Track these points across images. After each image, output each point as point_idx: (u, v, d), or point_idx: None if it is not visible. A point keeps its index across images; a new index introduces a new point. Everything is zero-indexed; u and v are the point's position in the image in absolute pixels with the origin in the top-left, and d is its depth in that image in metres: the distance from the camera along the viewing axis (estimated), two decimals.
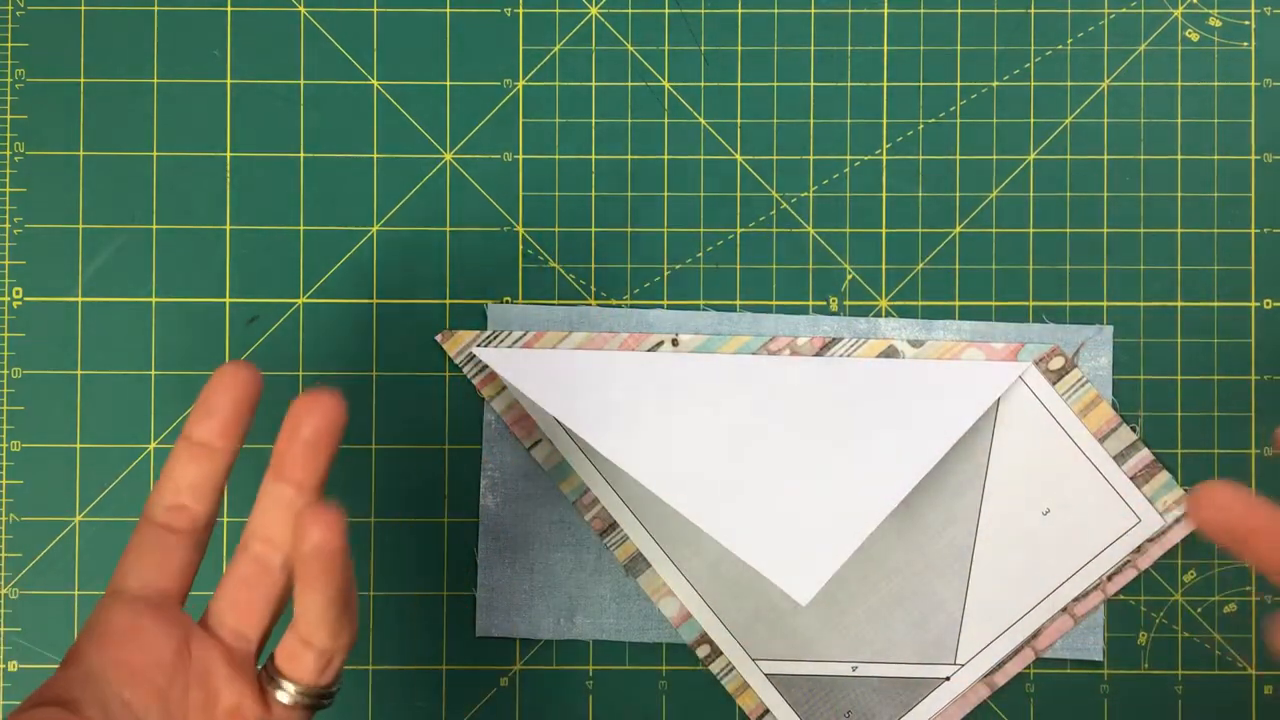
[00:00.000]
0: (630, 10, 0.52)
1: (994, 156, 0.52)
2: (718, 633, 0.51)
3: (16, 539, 0.51)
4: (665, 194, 0.52)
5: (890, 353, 0.51)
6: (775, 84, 0.52)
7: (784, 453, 0.49)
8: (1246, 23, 0.52)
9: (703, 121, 0.52)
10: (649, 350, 0.51)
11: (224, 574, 0.39)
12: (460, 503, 0.51)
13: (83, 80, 0.52)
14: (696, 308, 0.52)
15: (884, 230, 0.52)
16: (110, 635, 0.37)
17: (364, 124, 0.52)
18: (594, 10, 0.52)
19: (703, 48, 0.52)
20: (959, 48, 0.52)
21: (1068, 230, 0.52)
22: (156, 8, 0.52)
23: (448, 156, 0.52)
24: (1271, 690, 0.51)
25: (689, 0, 0.52)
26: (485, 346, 0.51)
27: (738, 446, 0.49)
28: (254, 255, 0.52)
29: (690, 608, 0.51)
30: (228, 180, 0.52)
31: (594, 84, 0.52)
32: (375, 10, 0.52)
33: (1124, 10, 0.52)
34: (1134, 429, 0.51)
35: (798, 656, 0.51)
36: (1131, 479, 0.51)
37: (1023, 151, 0.52)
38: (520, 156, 0.52)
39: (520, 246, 0.52)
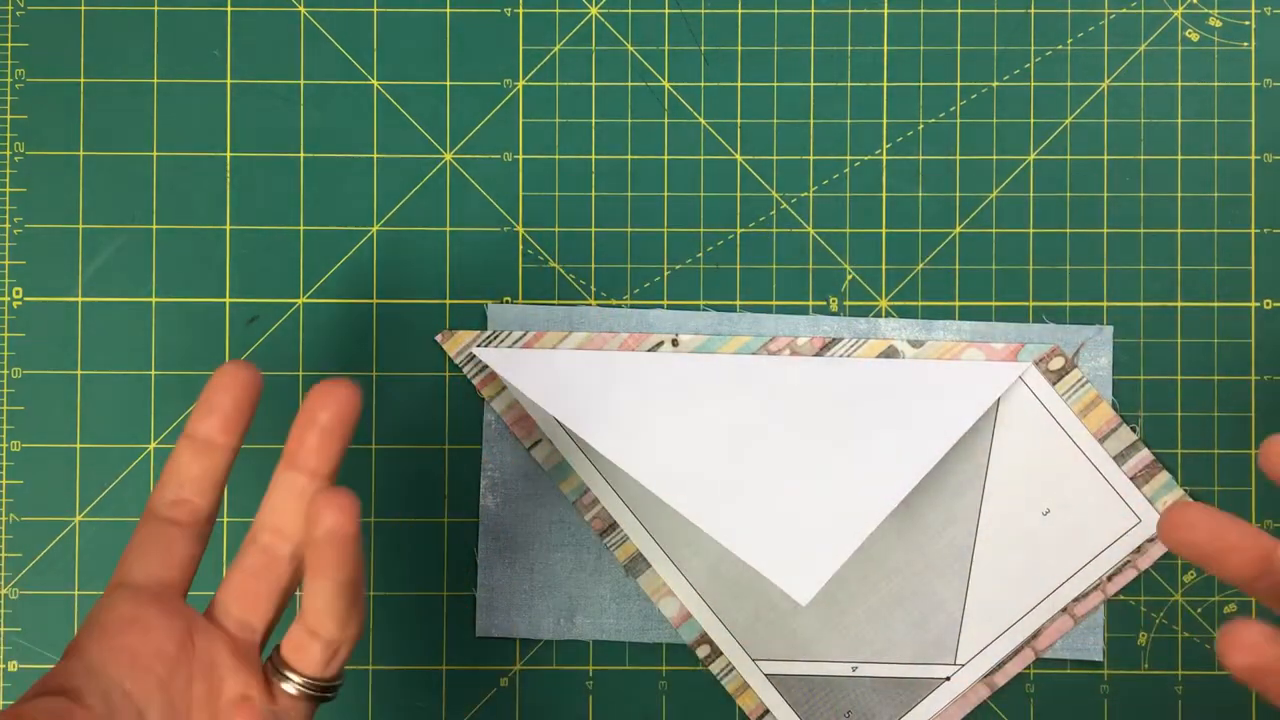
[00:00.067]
0: (630, 10, 0.52)
1: (994, 156, 0.52)
2: (718, 633, 0.51)
3: (16, 539, 0.51)
4: (665, 194, 0.52)
5: (890, 353, 0.51)
6: (775, 84, 0.52)
7: (784, 453, 0.49)
8: (1246, 23, 0.52)
9: (703, 121, 0.52)
10: (649, 350, 0.51)
11: (230, 565, 0.39)
12: (460, 503, 0.51)
13: (83, 80, 0.52)
14: (696, 308, 0.52)
15: (884, 230, 0.52)
16: (113, 626, 0.37)
17: (364, 124, 0.52)
18: (594, 10, 0.52)
19: (703, 48, 0.52)
20: (959, 48, 0.52)
21: (1068, 230, 0.52)
22: (156, 8, 0.52)
23: (448, 156, 0.52)
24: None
25: (689, 0, 0.52)
26: (485, 346, 0.51)
27: (738, 446, 0.49)
28: (254, 255, 0.52)
29: (690, 608, 0.51)
30: (228, 180, 0.52)
31: (594, 84, 0.52)
32: (375, 10, 0.52)
33: (1124, 10, 0.52)
34: (1134, 429, 0.51)
35: (798, 656, 0.51)
36: (1131, 479, 0.51)
37: (1023, 151, 0.52)
38: (520, 156, 0.52)
39: (520, 246, 0.52)
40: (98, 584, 0.51)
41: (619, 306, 0.51)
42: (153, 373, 0.52)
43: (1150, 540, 0.51)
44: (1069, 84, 0.52)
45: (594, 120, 0.52)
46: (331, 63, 0.52)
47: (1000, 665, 0.51)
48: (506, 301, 0.52)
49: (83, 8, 0.52)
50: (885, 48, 0.52)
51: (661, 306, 0.52)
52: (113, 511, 0.51)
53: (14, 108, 0.52)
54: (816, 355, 0.51)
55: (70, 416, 0.51)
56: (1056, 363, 0.51)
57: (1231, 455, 0.51)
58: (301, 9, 0.52)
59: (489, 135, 0.52)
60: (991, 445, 0.51)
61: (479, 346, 0.51)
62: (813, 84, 0.52)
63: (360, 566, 0.37)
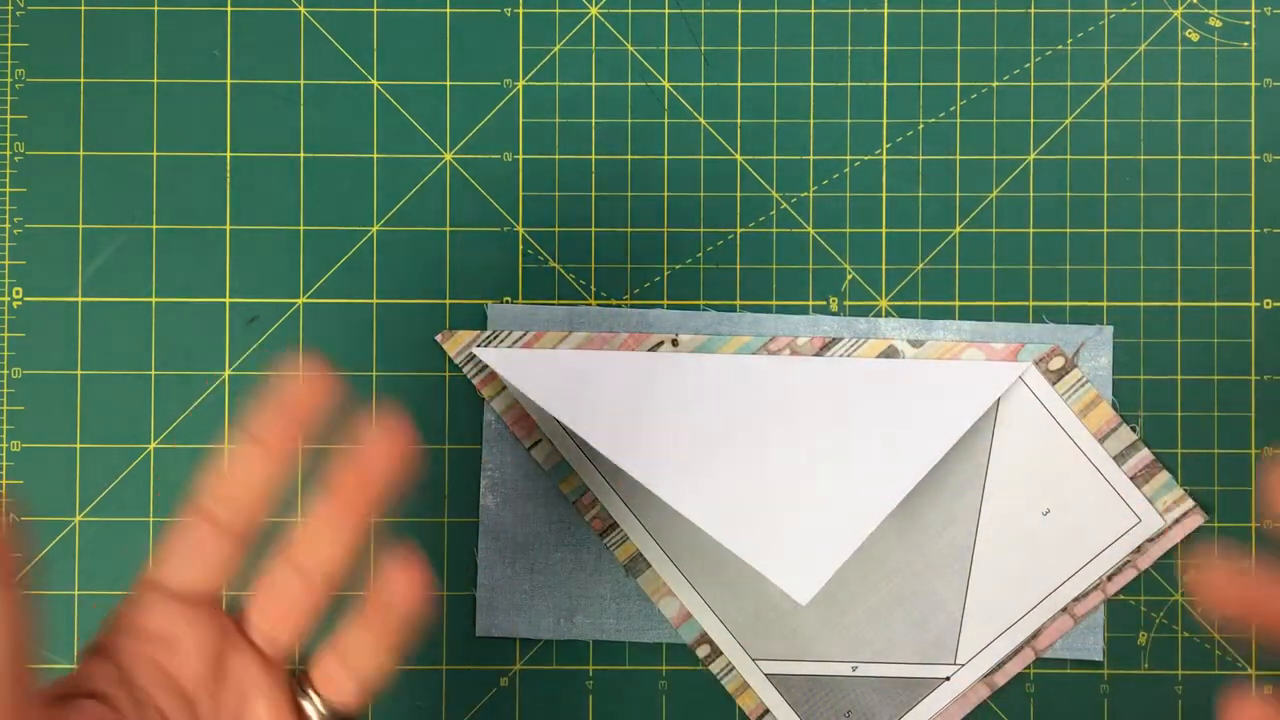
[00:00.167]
0: (630, 10, 0.52)
1: (994, 156, 0.52)
2: (718, 633, 0.51)
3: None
4: (665, 194, 0.52)
5: (890, 353, 0.51)
6: (775, 84, 0.52)
7: (784, 452, 0.49)
8: (1246, 23, 0.52)
9: (703, 121, 0.52)
10: (649, 350, 0.51)
11: (260, 578, 0.38)
12: (460, 503, 0.51)
13: (83, 80, 0.52)
14: (696, 308, 0.52)
15: (884, 230, 0.52)
16: (145, 635, 0.36)
17: (364, 124, 0.52)
18: (594, 10, 0.52)
19: (703, 48, 0.52)
20: (959, 48, 0.52)
21: (1068, 230, 0.52)
22: (156, 8, 0.52)
23: (448, 156, 0.52)
24: (1271, 690, 0.51)
25: (689, 0, 0.52)
26: (485, 346, 0.51)
27: (738, 446, 0.49)
28: (254, 255, 0.52)
29: (690, 608, 0.51)
30: (228, 180, 0.52)
31: (594, 84, 0.52)
32: (375, 10, 0.52)
33: (1124, 10, 0.52)
34: (1134, 429, 0.51)
35: (798, 656, 0.51)
36: (1131, 479, 0.51)
37: (1023, 151, 0.52)
38: (520, 156, 0.52)
39: (520, 246, 0.52)
40: (98, 584, 0.51)
41: (619, 306, 0.51)
42: (153, 373, 0.52)
43: (1150, 540, 0.51)
44: (1069, 84, 0.52)
45: (594, 120, 0.52)
46: (331, 63, 0.52)
47: (1000, 665, 0.51)
48: (506, 301, 0.52)
49: (83, 8, 0.52)
50: (885, 48, 0.52)
51: (661, 306, 0.52)
52: (113, 512, 0.51)
53: (14, 108, 0.52)
54: (816, 355, 0.51)
55: (70, 416, 0.51)
56: (1056, 363, 0.51)
57: (1231, 455, 0.51)
58: (301, 9, 0.52)
59: (489, 135, 0.52)
60: (991, 445, 0.51)
61: (479, 346, 0.51)
62: (813, 84, 0.52)
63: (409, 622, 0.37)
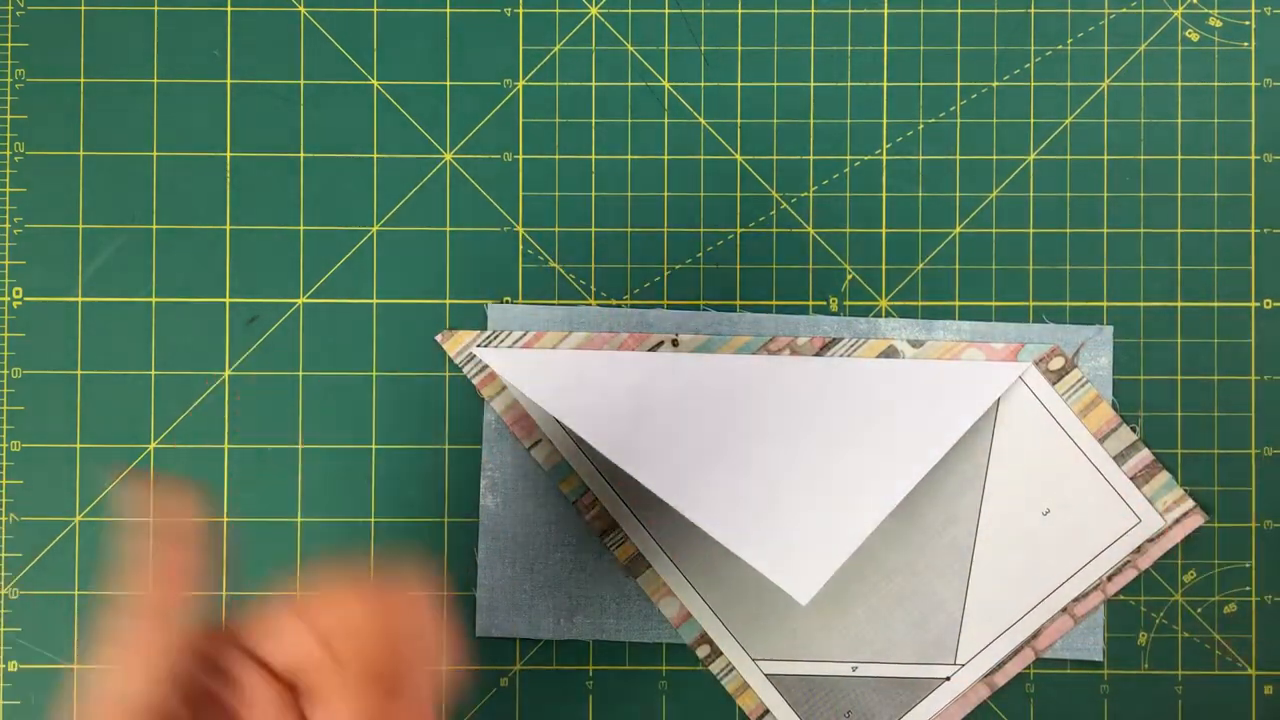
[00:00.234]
0: (630, 10, 0.52)
1: (994, 156, 0.52)
2: (718, 633, 0.51)
3: (16, 539, 0.51)
4: (665, 194, 0.52)
5: (890, 353, 0.51)
6: (775, 84, 0.52)
7: (784, 453, 0.49)
8: (1246, 23, 0.52)
9: (703, 121, 0.52)
10: (649, 350, 0.51)
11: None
12: (460, 503, 0.51)
13: (83, 80, 0.52)
14: (696, 308, 0.52)
15: (884, 230, 0.52)
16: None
17: (364, 124, 0.52)
18: (594, 10, 0.52)
19: (703, 48, 0.52)
20: (959, 48, 0.52)
21: (1068, 230, 0.52)
22: (156, 8, 0.52)
23: (448, 156, 0.52)
24: (1271, 690, 0.51)
25: (689, 0, 0.52)
26: (485, 346, 0.51)
27: (738, 446, 0.49)
28: (254, 255, 0.52)
29: (690, 608, 0.51)
30: (228, 180, 0.52)
31: (594, 84, 0.52)
32: (375, 10, 0.52)
33: (1124, 10, 0.52)
34: (1134, 429, 0.51)
35: (798, 656, 0.51)
36: (1131, 479, 0.51)
37: (1023, 151, 0.52)
38: (520, 156, 0.52)
39: (520, 246, 0.52)
40: (98, 584, 0.51)
41: (619, 306, 0.51)
42: (153, 373, 0.52)
43: (1150, 540, 0.51)
44: (1069, 84, 0.52)
45: (594, 120, 0.52)
46: (331, 63, 0.52)
47: (1000, 665, 0.51)
48: (506, 301, 0.52)
49: (83, 8, 0.52)
50: (885, 48, 0.52)
51: (661, 306, 0.52)
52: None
53: (14, 108, 0.52)
54: (816, 355, 0.51)
55: (70, 416, 0.51)
56: (1056, 363, 0.51)
57: (1231, 455, 0.51)
58: (301, 9, 0.52)
59: (489, 135, 0.52)
60: (991, 445, 0.51)
61: (479, 346, 0.51)
62: (813, 84, 0.52)
63: None
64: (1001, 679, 0.51)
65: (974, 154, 0.52)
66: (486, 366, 0.51)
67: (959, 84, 0.52)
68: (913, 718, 0.51)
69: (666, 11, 0.52)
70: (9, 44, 0.52)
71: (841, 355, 0.51)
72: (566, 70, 0.52)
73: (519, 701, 0.51)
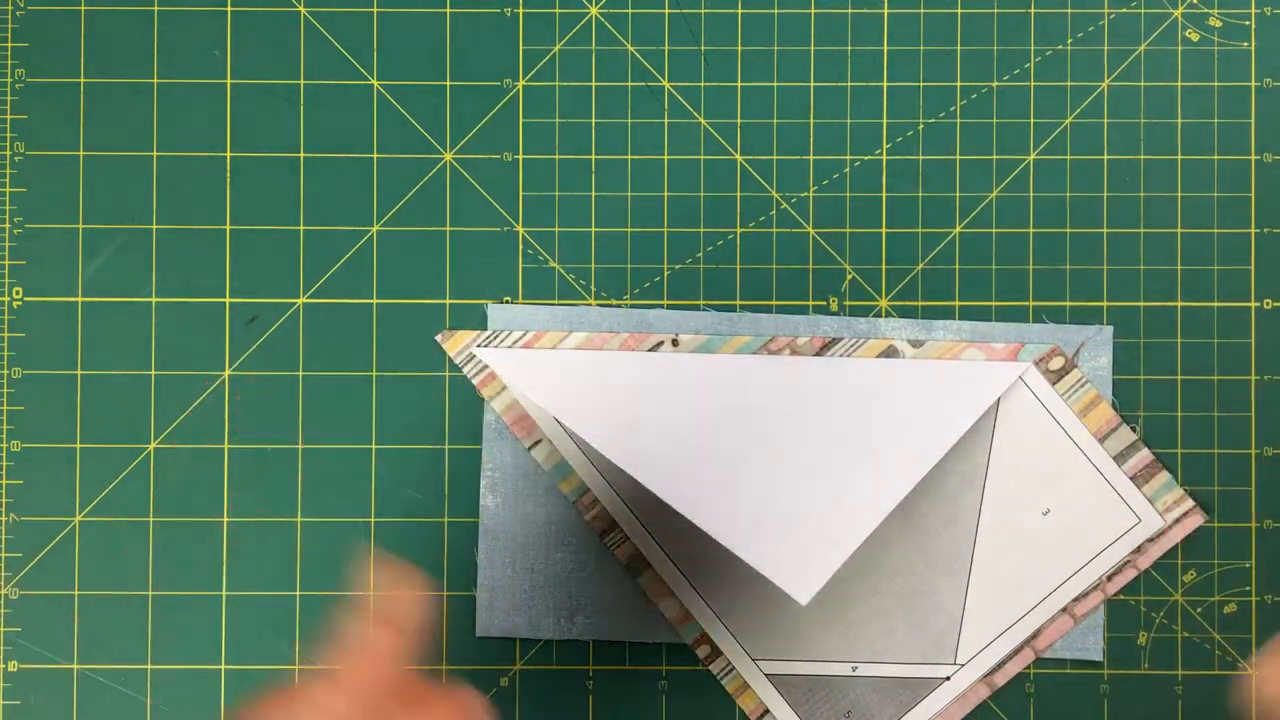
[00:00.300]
0: (630, 10, 0.52)
1: (994, 156, 0.52)
2: (718, 633, 0.51)
3: (16, 539, 0.51)
4: (665, 194, 0.52)
5: (890, 353, 0.51)
6: (775, 84, 0.52)
7: (784, 453, 0.49)
8: (1246, 23, 0.52)
9: (703, 121, 0.52)
10: (649, 350, 0.51)
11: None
12: (460, 503, 0.51)
13: (83, 80, 0.52)
14: (696, 308, 0.52)
15: (884, 230, 0.52)
16: None
17: (364, 124, 0.52)
18: (594, 10, 0.52)
19: (703, 48, 0.52)
20: (959, 48, 0.52)
21: (1068, 230, 0.52)
22: (156, 8, 0.52)
23: (448, 156, 0.52)
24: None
25: (689, 0, 0.52)
26: (485, 346, 0.51)
27: (738, 446, 0.49)
28: (254, 255, 0.52)
29: (690, 608, 0.51)
30: (228, 180, 0.52)
31: (594, 84, 0.52)
32: (375, 10, 0.52)
33: (1124, 10, 0.52)
34: (1134, 429, 0.51)
35: (798, 656, 0.51)
36: (1131, 479, 0.51)
37: (1023, 151, 0.52)
38: (520, 156, 0.52)
39: (520, 246, 0.52)
40: (98, 584, 0.51)
41: (619, 306, 0.51)
42: (153, 373, 0.52)
43: (1150, 540, 0.51)
44: (1069, 84, 0.52)
45: (594, 120, 0.52)
46: (331, 63, 0.52)
47: (1000, 665, 0.51)
48: (506, 301, 0.52)
49: (83, 8, 0.52)
50: (885, 48, 0.52)
51: (661, 306, 0.52)
52: (113, 512, 0.51)
53: (14, 108, 0.52)
54: (816, 355, 0.51)
55: (70, 416, 0.51)
56: (1056, 363, 0.51)
57: (1231, 455, 0.51)
58: (301, 9, 0.52)
59: (489, 135, 0.52)
60: (991, 445, 0.51)
61: (479, 346, 0.51)
62: (813, 84, 0.52)
63: None
64: (1001, 679, 0.51)
65: (974, 154, 0.52)
66: (486, 366, 0.51)
67: (959, 84, 0.52)
68: (913, 718, 0.51)
69: (666, 11, 0.52)
70: (9, 44, 0.52)
71: (841, 355, 0.51)
72: (566, 70, 0.52)
73: (519, 701, 0.51)
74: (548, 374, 0.50)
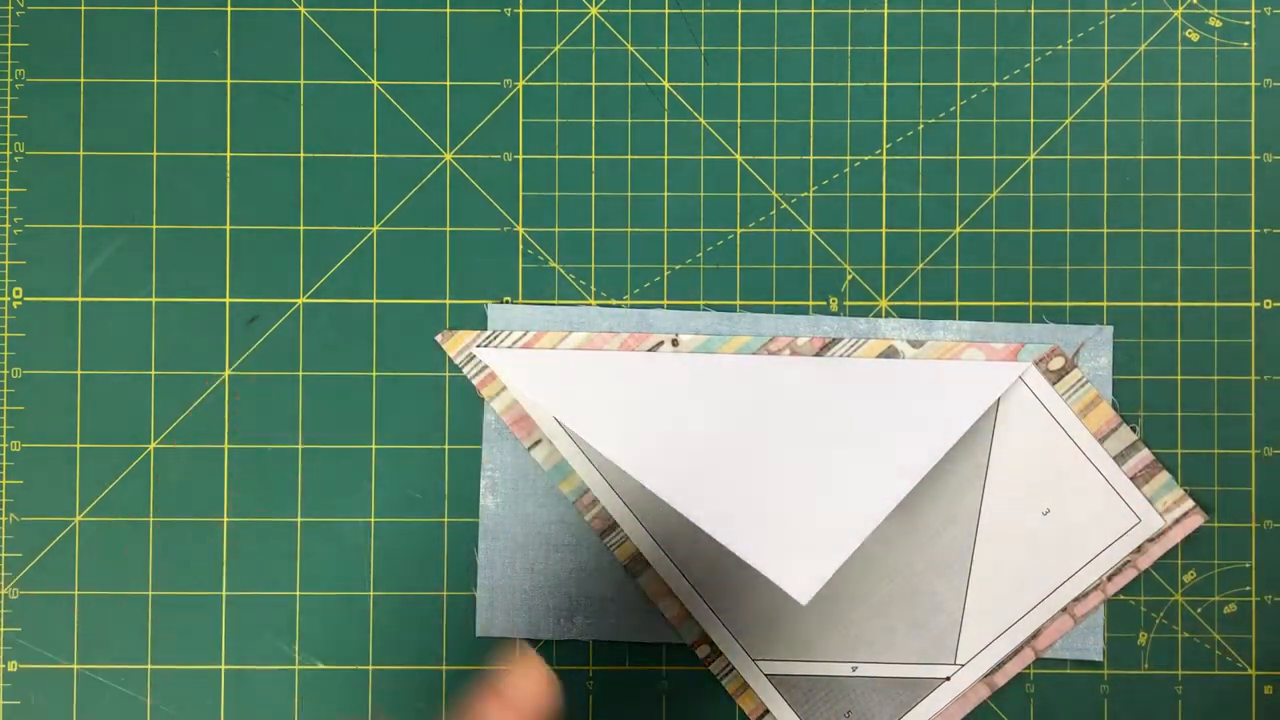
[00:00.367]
0: (630, 10, 0.52)
1: (994, 156, 0.52)
2: (718, 633, 0.51)
3: (16, 539, 0.51)
4: (665, 194, 0.52)
5: (890, 353, 0.51)
6: (775, 84, 0.52)
7: (784, 452, 0.49)
8: (1246, 23, 0.52)
9: (703, 121, 0.52)
10: (649, 350, 0.51)
11: None
12: (460, 503, 0.51)
13: (83, 80, 0.52)
14: (696, 308, 0.52)
15: (884, 230, 0.52)
16: None
17: (364, 124, 0.52)
18: (594, 10, 0.52)
19: (703, 48, 0.52)
20: (959, 48, 0.52)
21: (1068, 230, 0.52)
22: (156, 8, 0.52)
23: (448, 156, 0.52)
24: (1271, 690, 0.51)
25: (689, 0, 0.52)
26: (485, 346, 0.51)
27: (738, 446, 0.49)
28: (254, 255, 0.52)
29: (690, 608, 0.51)
30: (228, 180, 0.52)
31: (594, 84, 0.52)
32: (375, 10, 0.52)
33: (1124, 10, 0.52)
34: (1134, 429, 0.51)
35: (798, 656, 0.51)
36: (1131, 479, 0.51)
37: (1023, 151, 0.52)
38: (520, 156, 0.52)
39: (520, 246, 0.52)
40: (98, 584, 0.51)
41: (619, 306, 0.51)
42: (153, 373, 0.52)
43: (1150, 540, 0.51)
44: (1069, 84, 0.52)
45: (594, 120, 0.52)
46: (331, 63, 0.52)
47: (1000, 665, 0.51)
48: (506, 301, 0.52)
49: (83, 8, 0.52)
50: (885, 48, 0.52)
51: (661, 306, 0.52)
52: (113, 512, 0.51)
53: (14, 108, 0.52)
54: (816, 355, 0.51)
55: (70, 416, 0.51)
56: (1056, 363, 0.51)
57: (1231, 455, 0.51)
58: (301, 9, 0.52)
59: (489, 135, 0.52)
60: (991, 445, 0.51)
61: (479, 346, 0.51)
62: (813, 84, 0.52)
63: None
64: (1001, 679, 0.51)
65: (974, 154, 0.52)
66: (486, 366, 0.51)
67: (959, 84, 0.52)
68: (913, 718, 0.51)
69: (666, 11, 0.52)
70: (9, 44, 0.52)
71: (841, 355, 0.51)
72: (566, 70, 0.52)
73: None
74: (548, 374, 0.50)
